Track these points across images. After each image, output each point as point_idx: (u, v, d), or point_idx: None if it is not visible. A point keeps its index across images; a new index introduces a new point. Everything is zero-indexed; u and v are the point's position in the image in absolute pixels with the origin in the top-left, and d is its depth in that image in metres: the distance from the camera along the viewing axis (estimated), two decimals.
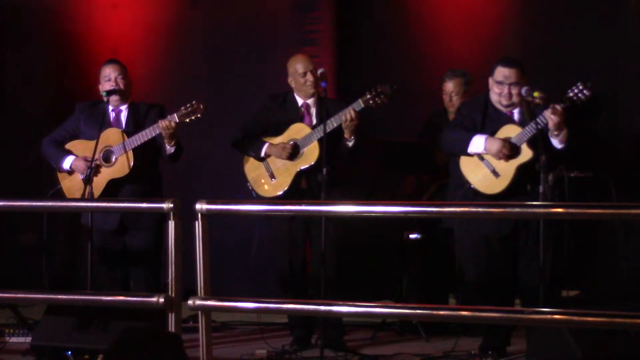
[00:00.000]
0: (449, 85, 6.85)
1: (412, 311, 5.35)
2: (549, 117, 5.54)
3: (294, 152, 6.12)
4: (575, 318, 4.61)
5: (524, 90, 5.68)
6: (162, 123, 6.01)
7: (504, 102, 5.74)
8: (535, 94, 5.65)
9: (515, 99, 5.72)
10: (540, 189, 5.47)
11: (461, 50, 7.79)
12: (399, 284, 7.00)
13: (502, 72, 5.73)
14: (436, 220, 6.65)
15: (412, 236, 6.80)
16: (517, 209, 4.99)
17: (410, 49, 7.91)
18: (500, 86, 5.72)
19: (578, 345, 4.84)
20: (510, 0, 7.81)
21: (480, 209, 5.19)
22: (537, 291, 5.46)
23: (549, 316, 4.69)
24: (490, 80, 5.80)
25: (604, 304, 5.37)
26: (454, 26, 7.88)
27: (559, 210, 4.94)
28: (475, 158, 5.74)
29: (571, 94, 5.59)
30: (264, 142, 6.21)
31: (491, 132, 5.71)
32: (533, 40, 7.48)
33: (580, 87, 5.58)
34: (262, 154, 6.21)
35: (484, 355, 5.69)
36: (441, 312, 5.04)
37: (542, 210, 5.08)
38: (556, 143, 5.64)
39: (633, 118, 7.16)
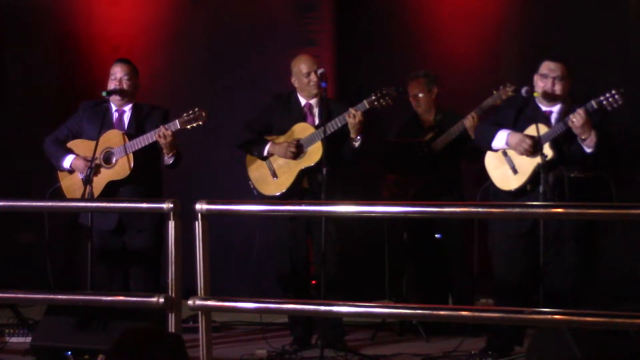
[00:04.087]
0: (412, 87, 6.91)
1: (412, 311, 5.35)
2: (571, 122, 5.52)
3: (299, 151, 6.13)
4: (575, 318, 4.61)
5: (524, 91, 5.70)
6: (157, 134, 5.99)
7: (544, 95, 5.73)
8: (535, 94, 5.66)
9: (558, 92, 5.69)
10: (540, 189, 5.48)
11: (461, 50, 7.79)
12: (399, 284, 7.01)
13: (547, 66, 5.71)
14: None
15: (437, 236, 6.82)
16: (517, 209, 5.00)
17: (410, 49, 7.91)
18: (545, 79, 5.69)
19: (578, 345, 4.84)
20: (510, 0, 7.81)
21: (480, 209, 5.19)
22: (560, 290, 5.45)
23: (549, 316, 4.69)
24: (535, 77, 5.77)
25: (603, 304, 5.37)
26: (454, 26, 7.88)
27: (559, 210, 4.94)
28: (500, 154, 5.76)
29: (602, 98, 5.53)
30: (267, 141, 6.22)
31: (521, 130, 5.69)
32: (533, 41, 7.48)
33: (613, 93, 5.53)
34: (265, 153, 6.21)
35: (484, 355, 5.69)
36: (441, 312, 5.03)
37: (542, 210, 5.08)
38: (585, 147, 5.61)
39: (633, 118, 7.16)
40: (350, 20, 8.15)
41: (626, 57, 7.31)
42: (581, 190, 5.53)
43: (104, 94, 6.20)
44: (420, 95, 6.90)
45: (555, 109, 5.76)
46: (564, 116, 5.63)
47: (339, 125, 6.04)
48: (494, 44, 7.65)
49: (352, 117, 5.97)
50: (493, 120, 5.89)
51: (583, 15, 7.41)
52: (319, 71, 6.14)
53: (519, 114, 5.78)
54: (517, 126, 5.74)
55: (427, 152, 6.71)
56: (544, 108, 5.77)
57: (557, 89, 5.69)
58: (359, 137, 6.06)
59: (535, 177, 5.62)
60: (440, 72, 7.11)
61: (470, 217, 5.61)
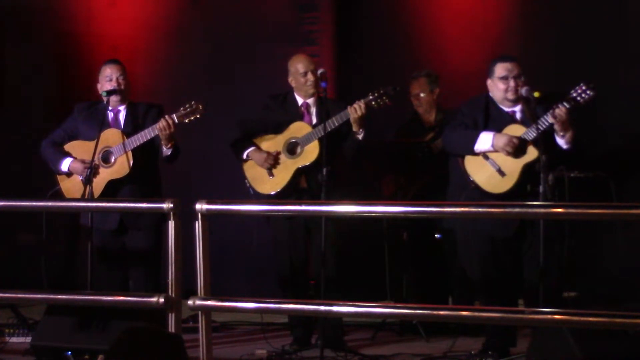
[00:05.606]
0: (414, 86, 6.92)
1: (412, 311, 5.35)
2: (554, 118, 5.54)
3: (275, 163, 6.13)
4: (575, 318, 4.61)
5: (524, 90, 5.69)
6: (160, 124, 6.00)
7: (511, 96, 5.73)
8: (536, 94, 5.66)
9: (520, 91, 5.71)
10: (540, 189, 5.48)
11: (461, 50, 7.79)
12: (399, 284, 7.01)
13: (504, 67, 5.74)
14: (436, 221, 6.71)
15: (437, 236, 6.82)
16: (517, 209, 4.99)
17: (410, 49, 7.91)
18: (505, 81, 5.73)
19: (578, 345, 4.84)
20: (510, 1, 7.81)
21: (480, 209, 5.18)
22: (544, 288, 5.46)
23: (549, 316, 4.69)
24: (490, 81, 5.80)
25: (602, 305, 5.38)
26: (454, 26, 7.88)
27: (559, 210, 4.94)
28: (480, 157, 5.74)
29: (574, 94, 5.58)
30: (250, 146, 6.22)
31: (496, 132, 5.71)
32: (533, 41, 7.48)
33: (584, 88, 5.57)
34: (244, 156, 6.22)
35: (484, 355, 5.69)
36: (441, 312, 5.03)
37: (542, 210, 5.08)
38: (562, 143, 5.63)
39: (633, 118, 7.16)
40: (350, 20, 8.14)
41: (626, 57, 7.31)
42: (581, 190, 5.53)
43: (103, 94, 6.20)
44: (422, 95, 6.90)
45: (517, 108, 5.80)
46: (530, 114, 5.63)
47: (337, 124, 6.04)
48: (494, 44, 7.64)
49: (355, 111, 5.97)
50: (462, 124, 5.84)
51: (583, 16, 7.41)
52: (319, 71, 6.14)
53: (487, 117, 5.79)
54: (489, 129, 5.74)
55: (427, 152, 6.71)
56: (505, 109, 5.79)
57: (519, 88, 5.71)
58: (361, 130, 6.06)
59: (525, 177, 5.61)
60: (440, 72, 7.11)
61: (471, 217, 5.60)
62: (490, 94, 5.84)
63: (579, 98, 5.57)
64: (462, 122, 5.83)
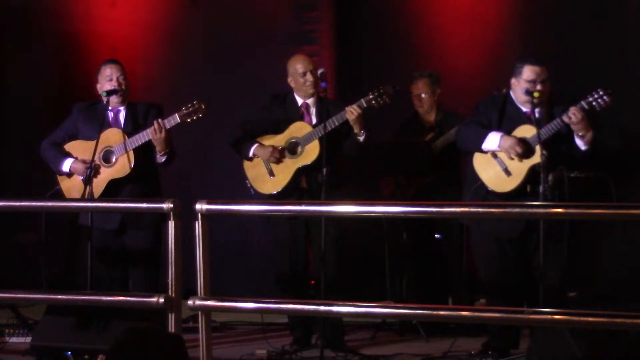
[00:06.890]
0: (416, 87, 6.92)
1: (412, 311, 5.35)
2: (569, 119, 5.52)
3: (281, 156, 6.13)
4: (575, 318, 4.61)
5: (524, 90, 5.69)
6: (151, 129, 5.98)
7: (536, 100, 5.72)
8: (535, 94, 5.65)
9: (547, 94, 5.70)
10: (540, 189, 5.48)
11: (461, 50, 7.79)
12: (399, 284, 7.01)
13: (533, 70, 5.70)
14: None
15: (437, 236, 6.82)
16: (517, 209, 5.00)
17: (410, 49, 7.91)
18: (533, 85, 5.69)
19: (578, 345, 4.84)
20: (511, 1, 7.81)
21: (480, 209, 5.19)
22: (548, 293, 5.46)
23: (549, 316, 4.69)
24: (514, 80, 5.76)
25: (602, 305, 5.38)
26: (454, 26, 7.88)
27: (559, 210, 4.95)
28: (489, 155, 5.74)
29: (591, 99, 5.55)
30: (254, 142, 6.22)
31: (507, 131, 5.70)
32: (533, 41, 7.47)
33: (601, 93, 5.55)
34: (250, 154, 6.21)
35: (484, 355, 5.69)
36: (441, 312, 5.04)
37: (542, 210, 5.08)
38: (581, 144, 5.62)
39: (633, 118, 7.16)
40: (350, 19, 8.15)
41: (626, 57, 7.31)
42: (581, 190, 5.53)
43: (104, 94, 6.19)
44: (423, 95, 6.89)
45: (537, 109, 5.76)
46: (546, 115, 5.63)
47: (337, 123, 6.04)
48: (494, 44, 7.65)
49: (351, 113, 5.98)
50: (476, 121, 5.85)
51: (583, 16, 7.41)
52: (320, 71, 6.14)
53: (502, 115, 5.78)
54: (502, 128, 5.74)
55: (427, 152, 6.71)
56: (524, 109, 5.77)
57: (545, 91, 5.70)
58: (362, 132, 6.06)
59: (531, 178, 5.61)
60: (440, 72, 7.11)
61: (470, 217, 5.60)
62: (512, 93, 5.83)
63: (594, 103, 5.55)
64: (477, 119, 5.84)
